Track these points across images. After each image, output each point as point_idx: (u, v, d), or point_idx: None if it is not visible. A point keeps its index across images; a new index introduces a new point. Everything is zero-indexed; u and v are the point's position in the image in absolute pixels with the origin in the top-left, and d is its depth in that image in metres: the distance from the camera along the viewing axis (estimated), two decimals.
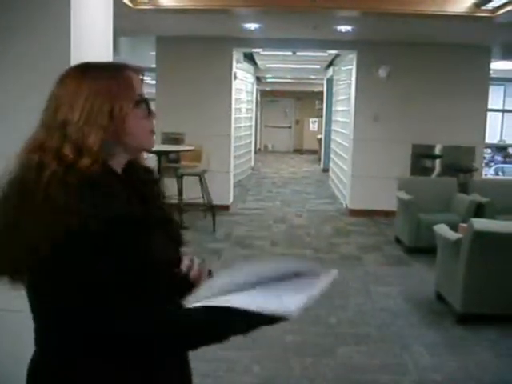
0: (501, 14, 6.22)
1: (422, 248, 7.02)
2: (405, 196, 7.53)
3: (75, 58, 2.84)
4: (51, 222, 1.21)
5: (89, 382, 1.32)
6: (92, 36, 3.22)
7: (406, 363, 4.11)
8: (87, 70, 1.38)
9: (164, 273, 1.37)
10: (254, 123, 17.42)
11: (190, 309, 1.28)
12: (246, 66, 13.73)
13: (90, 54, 3.10)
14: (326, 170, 15.75)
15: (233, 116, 10.07)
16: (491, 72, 9.86)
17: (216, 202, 8.55)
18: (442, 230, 5.44)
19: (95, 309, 1.24)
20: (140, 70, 1.45)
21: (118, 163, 1.42)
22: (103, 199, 1.27)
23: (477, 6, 6.17)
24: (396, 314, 5.15)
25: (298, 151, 24.09)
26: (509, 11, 6.03)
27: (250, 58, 13.28)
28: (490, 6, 6.12)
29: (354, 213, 9.68)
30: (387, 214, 8.87)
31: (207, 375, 3.76)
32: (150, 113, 1.42)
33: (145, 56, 11.48)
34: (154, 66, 10.03)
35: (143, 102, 1.40)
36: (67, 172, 1.26)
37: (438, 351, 4.33)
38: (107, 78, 1.36)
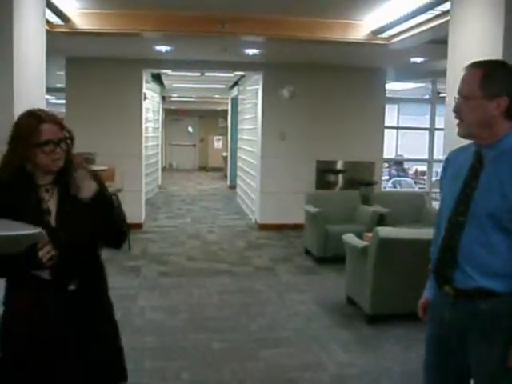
0: (395, 42, 6.86)
1: (330, 257, 7.50)
2: (312, 209, 7.99)
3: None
4: None
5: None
6: (30, 63, 3.40)
7: (324, 361, 4.48)
8: (22, 118, 2.28)
9: None
10: (160, 142, 17.51)
11: None
12: (153, 85, 13.89)
13: (28, 77, 3.31)
14: (232, 186, 16.06)
15: (143, 135, 10.22)
16: (387, 92, 10.65)
17: (128, 220, 8.58)
18: (350, 238, 5.89)
19: None
20: (58, 122, 2.30)
21: (40, 173, 2.30)
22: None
23: (374, 33, 6.75)
24: (310, 318, 5.51)
25: (203, 169, 24.24)
26: (401, 39, 6.67)
27: (156, 78, 13.45)
28: (386, 34, 6.73)
29: (264, 227, 10.08)
30: (296, 227, 9.32)
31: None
32: (53, 150, 2.24)
33: (51, 75, 11.35)
34: (60, 85, 9.97)
35: (49, 143, 2.23)
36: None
37: (352, 348, 4.73)
38: (29, 127, 2.22)
